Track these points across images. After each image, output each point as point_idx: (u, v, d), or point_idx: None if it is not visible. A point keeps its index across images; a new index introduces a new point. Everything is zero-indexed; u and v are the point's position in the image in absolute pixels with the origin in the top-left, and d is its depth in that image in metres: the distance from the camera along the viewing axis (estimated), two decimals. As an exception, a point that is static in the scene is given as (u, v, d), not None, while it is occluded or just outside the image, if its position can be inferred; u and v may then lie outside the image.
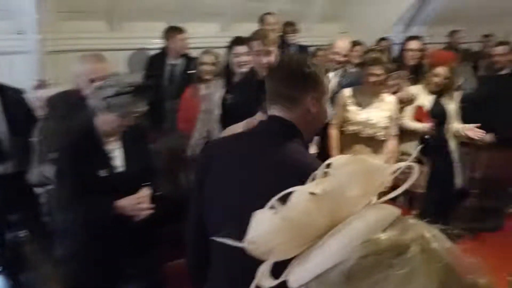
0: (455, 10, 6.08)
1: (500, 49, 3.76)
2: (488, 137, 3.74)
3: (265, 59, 2.42)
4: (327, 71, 3.33)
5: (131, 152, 2.14)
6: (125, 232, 2.01)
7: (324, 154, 3.06)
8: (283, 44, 4.26)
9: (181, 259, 2.44)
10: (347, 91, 3.06)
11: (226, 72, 3.03)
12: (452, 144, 3.52)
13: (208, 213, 1.31)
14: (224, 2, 4.42)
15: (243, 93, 2.64)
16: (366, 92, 2.99)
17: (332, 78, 3.48)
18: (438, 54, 3.55)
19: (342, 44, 3.49)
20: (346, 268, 0.45)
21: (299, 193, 0.52)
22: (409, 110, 3.39)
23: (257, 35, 2.47)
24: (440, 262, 0.45)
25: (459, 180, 3.59)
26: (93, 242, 2.02)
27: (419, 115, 3.34)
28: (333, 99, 3.19)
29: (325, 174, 0.56)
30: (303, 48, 4.31)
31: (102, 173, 2.01)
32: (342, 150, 3.07)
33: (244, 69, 2.82)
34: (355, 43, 4.17)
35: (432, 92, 3.38)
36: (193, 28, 4.14)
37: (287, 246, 0.50)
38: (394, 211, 0.50)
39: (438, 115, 3.36)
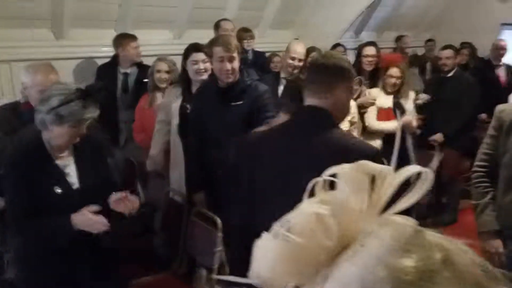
0: (400, 17, 6.36)
1: (446, 53, 3.94)
2: (438, 136, 3.91)
3: (229, 66, 2.36)
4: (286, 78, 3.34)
5: (86, 167, 1.99)
6: (85, 251, 1.87)
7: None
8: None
9: (148, 276, 2.33)
10: None
11: (183, 80, 2.94)
12: (409, 143, 3.62)
13: (260, 203, 1.45)
14: (175, 8, 4.32)
15: (204, 102, 2.57)
16: None
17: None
18: (388, 57, 3.67)
19: (299, 49, 3.47)
20: None
21: (303, 213, 0.47)
22: (372, 111, 3.45)
23: (219, 42, 2.40)
24: (472, 281, 0.41)
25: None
26: (48, 264, 1.86)
27: (386, 116, 3.44)
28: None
29: (327, 185, 0.51)
30: (259, 54, 4.29)
31: (57, 190, 1.85)
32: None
33: (203, 77, 2.74)
34: (311, 49, 4.21)
35: (389, 93, 3.49)
36: (144, 36, 4.01)
37: (295, 274, 0.46)
38: (409, 224, 0.45)
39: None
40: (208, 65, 2.69)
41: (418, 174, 0.48)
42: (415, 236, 0.44)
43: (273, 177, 1.43)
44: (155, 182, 3.21)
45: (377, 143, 3.48)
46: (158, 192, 3.08)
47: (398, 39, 5.95)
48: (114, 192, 1.92)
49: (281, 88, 3.43)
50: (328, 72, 1.48)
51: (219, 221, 2.34)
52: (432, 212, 4.10)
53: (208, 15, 4.35)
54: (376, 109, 3.50)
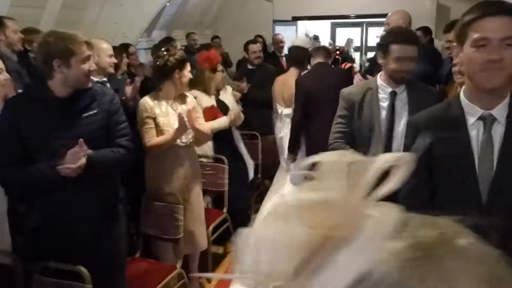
0: (186, 16, 6.42)
1: (256, 46, 4.13)
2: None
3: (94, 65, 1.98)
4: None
5: None
6: None
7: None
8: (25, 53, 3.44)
9: None
10: (148, 102, 2.65)
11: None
12: (236, 136, 3.66)
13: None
14: None
15: (35, 119, 1.96)
16: (167, 97, 2.69)
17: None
18: (208, 57, 3.40)
19: (108, 46, 3.02)
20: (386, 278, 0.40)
21: (287, 204, 0.47)
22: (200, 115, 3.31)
23: (78, 39, 1.91)
24: (474, 254, 0.43)
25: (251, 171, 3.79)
26: None
27: (212, 114, 3.32)
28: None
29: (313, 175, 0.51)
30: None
31: None
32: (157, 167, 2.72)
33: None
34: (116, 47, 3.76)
35: (210, 93, 3.40)
36: None
37: (284, 267, 0.44)
38: (399, 209, 0.46)
39: (222, 111, 3.43)
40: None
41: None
42: (406, 218, 0.45)
43: None
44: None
45: (207, 146, 3.37)
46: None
47: (188, 36, 6.00)
48: None
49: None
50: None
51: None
52: (261, 197, 4.33)
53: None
54: (204, 111, 3.37)
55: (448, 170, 1.39)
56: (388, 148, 2.19)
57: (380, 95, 2.21)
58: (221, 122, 3.34)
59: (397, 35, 2.14)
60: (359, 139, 2.23)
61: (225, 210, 3.40)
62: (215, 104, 3.42)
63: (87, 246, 2.02)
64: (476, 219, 1.32)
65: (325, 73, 3.34)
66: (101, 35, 4.15)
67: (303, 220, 0.44)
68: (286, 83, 3.67)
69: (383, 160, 0.48)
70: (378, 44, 2.18)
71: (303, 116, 3.26)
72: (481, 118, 1.34)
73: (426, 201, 1.45)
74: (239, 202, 3.56)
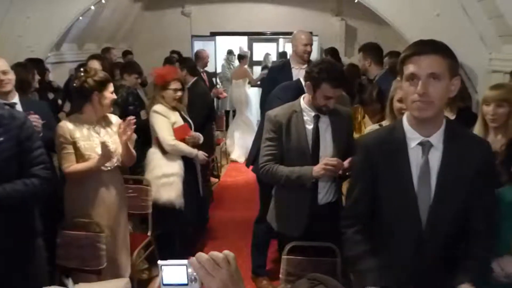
0: (98, 29, 6.12)
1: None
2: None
3: None
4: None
5: None
6: None
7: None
8: None
9: None
10: (67, 125, 2.44)
11: None
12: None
13: None
14: None
15: None
16: (89, 120, 2.50)
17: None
18: (164, 72, 3.30)
19: (2, 62, 2.70)
20: None
21: None
22: (166, 130, 3.19)
23: None
24: None
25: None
26: None
27: (185, 132, 3.24)
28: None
29: None
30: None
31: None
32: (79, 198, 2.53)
33: None
34: (18, 65, 3.40)
35: (174, 108, 3.27)
36: None
37: None
38: None
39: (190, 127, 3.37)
40: None
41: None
42: None
43: None
44: None
45: (176, 164, 3.23)
46: None
47: (106, 51, 5.70)
48: None
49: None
50: None
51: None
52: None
53: None
54: (170, 128, 3.22)
55: (390, 187, 1.52)
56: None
57: (305, 118, 2.31)
58: (193, 152, 3.30)
59: (332, 76, 2.17)
60: (288, 160, 2.30)
61: (149, 233, 3.27)
62: (179, 120, 3.29)
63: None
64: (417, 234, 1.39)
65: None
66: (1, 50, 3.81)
67: None
68: (240, 70, 7.11)
69: None
70: (310, 76, 2.23)
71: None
72: (420, 143, 1.47)
73: (366, 210, 1.59)
74: (195, 215, 3.50)
